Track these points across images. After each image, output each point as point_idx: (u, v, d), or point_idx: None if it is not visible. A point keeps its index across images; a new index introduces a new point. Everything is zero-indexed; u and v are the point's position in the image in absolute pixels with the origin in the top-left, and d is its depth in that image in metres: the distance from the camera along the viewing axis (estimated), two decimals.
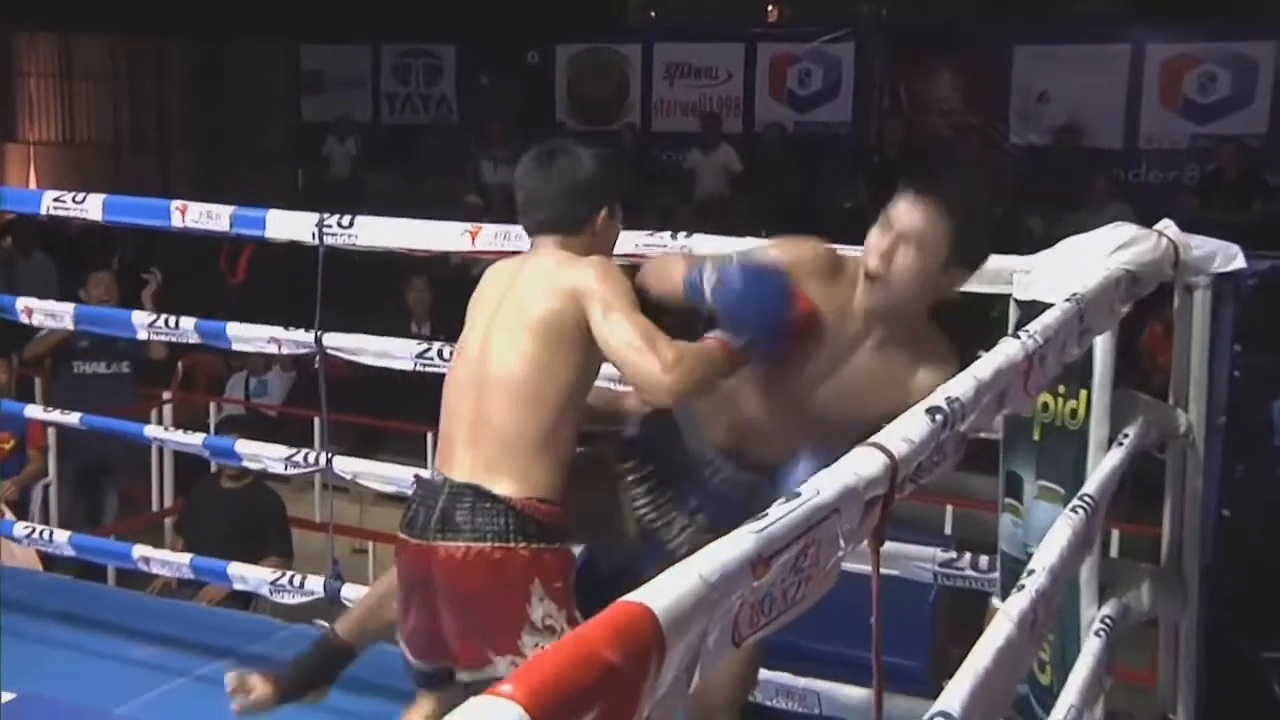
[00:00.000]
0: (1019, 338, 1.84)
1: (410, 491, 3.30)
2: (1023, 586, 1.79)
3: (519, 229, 2.93)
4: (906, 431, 1.41)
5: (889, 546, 2.92)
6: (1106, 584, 2.58)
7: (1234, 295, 2.80)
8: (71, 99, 13.22)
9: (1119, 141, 10.29)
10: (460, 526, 2.31)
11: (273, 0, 11.94)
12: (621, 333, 2.26)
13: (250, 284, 9.30)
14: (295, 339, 3.52)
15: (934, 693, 1.43)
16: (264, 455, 3.73)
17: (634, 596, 0.99)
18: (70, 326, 3.94)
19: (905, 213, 2.26)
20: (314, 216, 3.42)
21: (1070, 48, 10.40)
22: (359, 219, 3.42)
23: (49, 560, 4.83)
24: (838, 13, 11.52)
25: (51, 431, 5.99)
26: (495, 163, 10.99)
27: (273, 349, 3.61)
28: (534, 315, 2.34)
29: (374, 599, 2.84)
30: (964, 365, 1.75)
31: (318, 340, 3.47)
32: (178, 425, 5.94)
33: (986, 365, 1.70)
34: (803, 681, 3.11)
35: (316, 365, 3.62)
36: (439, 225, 3.35)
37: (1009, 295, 2.66)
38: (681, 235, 3.10)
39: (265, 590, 3.68)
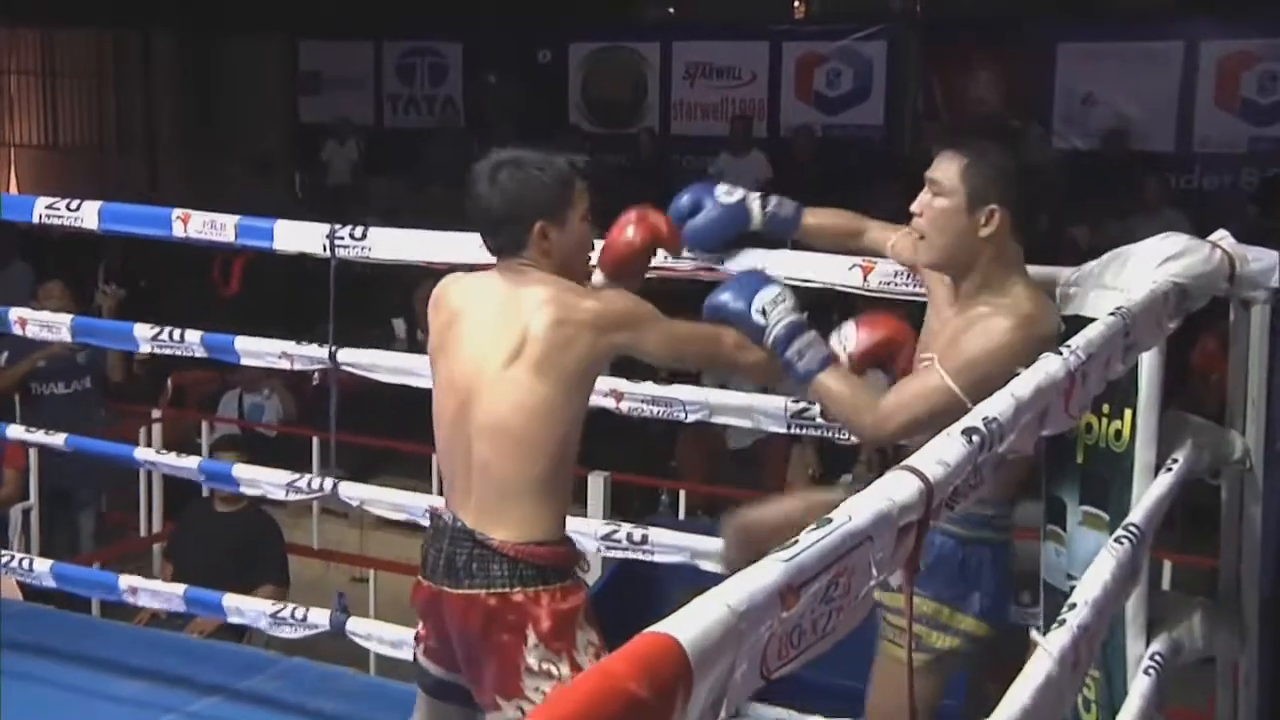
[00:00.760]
0: (1060, 354, 1.86)
1: (419, 519, 3.40)
2: (1064, 621, 1.80)
3: None
4: (942, 454, 1.42)
5: None
6: (1156, 619, 2.58)
7: None
8: (54, 98, 13.31)
9: (1171, 145, 10.27)
10: (461, 573, 2.47)
11: None
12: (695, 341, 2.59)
13: (245, 295, 9.34)
14: (308, 354, 3.54)
15: None
16: (264, 480, 3.72)
17: (660, 627, 1.00)
18: (68, 338, 3.95)
19: (930, 168, 2.55)
20: (324, 228, 3.44)
21: (1118, 45, 10.39)
22: (372, 230, 3.44)
23: (29, 588, 4.86)
24: (869, 9, 11.55)
25: (34, 453, 6.02)
26: None
27: (284, 364, 3.61)
28: (548, 361, 2.43)
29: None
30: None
31: (331, 356, 3.48)
32: (167, 446, 5.97)
33: (1026, 383, 1.71)
34: None
35: (315, 383, 3.64)
36: (455, 236, 3.35)
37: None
38: None
39: (264, 624, 3.67)
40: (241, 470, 3.79)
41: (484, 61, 12.37)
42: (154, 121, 13.51)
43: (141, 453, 4.35)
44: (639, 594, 4.11)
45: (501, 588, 2.44)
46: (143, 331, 3.75)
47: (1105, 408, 2.49)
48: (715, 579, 1.14)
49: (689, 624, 1.02)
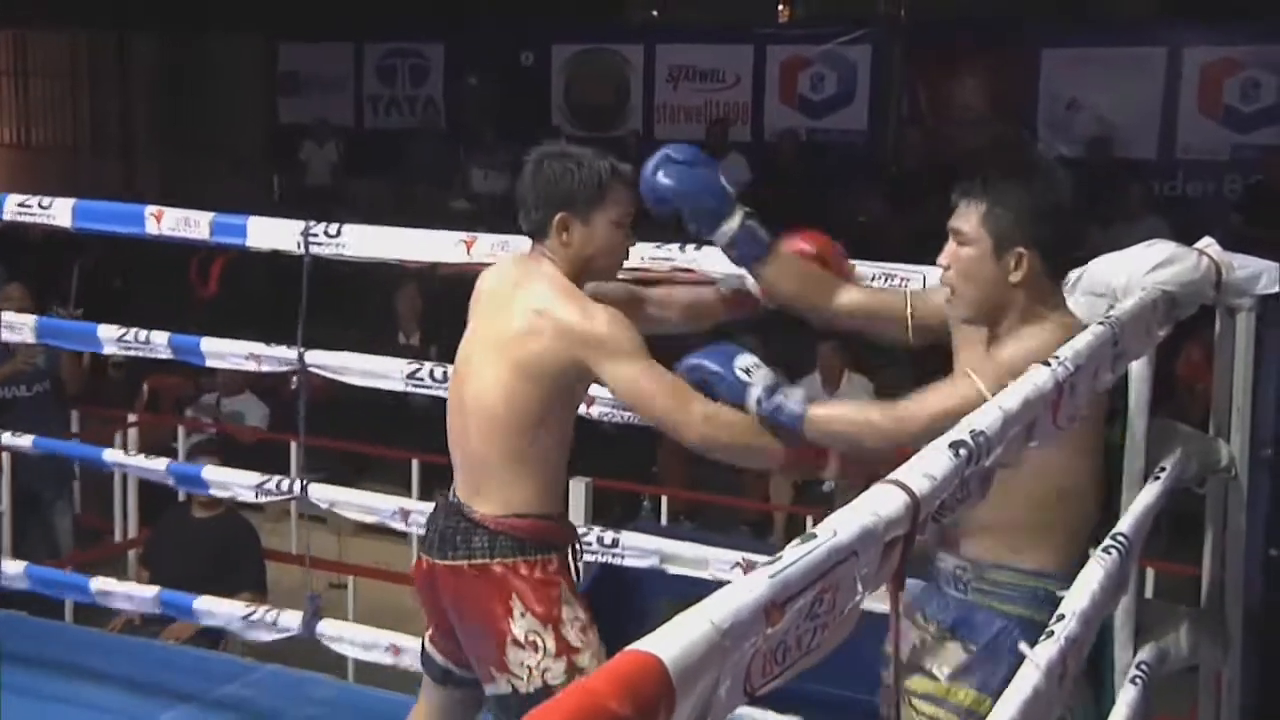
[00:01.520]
0: (1049, 365, 1.85)
1: (390, 522, 3.56)
2: (1052, 633, 1.79)
3: (517, 239, 3.02)
4: (928, 468, 1.41)
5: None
6: (1142, 627, 2.58)
7: None
8: (28, 98, 13.24)
9: (1154, 152, 10.32)
10: (448, 546, 2.60)
11: None
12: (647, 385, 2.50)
13: (224, 296, 9.29)
14: (277, 355, 3.54)
15: None
16: (234, 482, 3.74)
17: (643, 644, 1.00)
18: (31, 339, 3.95)
19: (952, 218, 2.42)
20: (299, 225, 3.45)
21: (1102, 50, 10.44)
22: (346, 227, 3.44)
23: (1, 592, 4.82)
24: (853, 12, 11.57)
25: (6, 457, 5.99)
26: (486, 171, 11.01)
27: (251, 366, 3.61)
28: (514, 345, 2.54)
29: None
30: None
31: (300, 357, 3.48)
32: (143, 451, 5.93)
33: (1014, 395, 1.71)
34: None
35: (294, 386, 3.63)
36: (432, 234, 3.37)
37: None
38: (690, 248, 3.11)
39: (237, 626, 3.68)
40: (212, 472, 3.79)
41: (466, 63, 12.35)
42: (130, 123, 13.45)
43: (111, 455, 4.34)
44: (621, 597, 4.10)
45: (482, 559, 2.56)
46: (108, 333, 3.75)
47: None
48: (703, 584, 1.13)
49: (672, 641, 1.01)
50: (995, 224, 2.35)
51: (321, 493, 3.63)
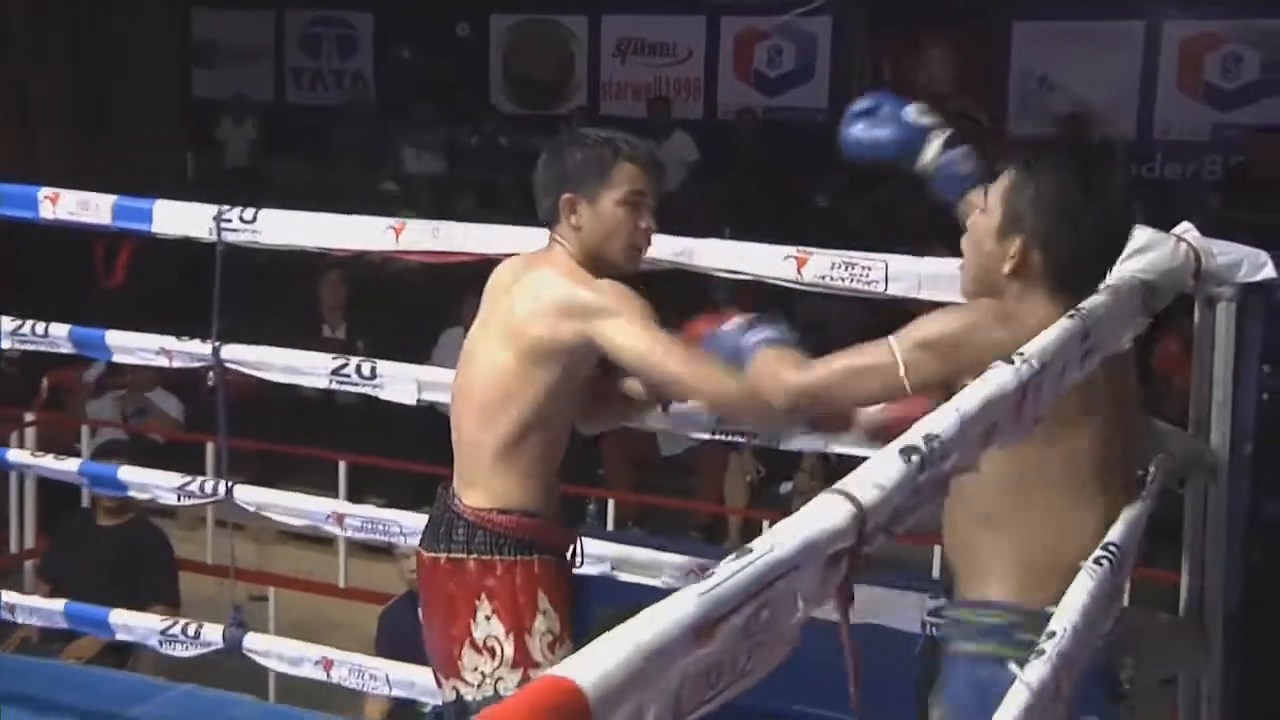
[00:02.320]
0: (1012, 362, 1.82)
1: (323, 526, 3.62)
2: (1042, 651, 1.79)
3: (449, 225, 3.06)
4: (876, 476, 1.39)
5: (870, 592, 2.93)
6: (1120, 635, 2.59)
7: (1262, 309, 2.82)
8: None
9: (1131, 132, 10.37)
10: (434, 537, 2.67)
11: None
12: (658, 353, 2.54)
13: (132, 287, 9.17)
14: (189, 350, 3.50)
15: None
16: (153, 484, 3.71)
17: (560, 670, 0.99)
18: None
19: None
20: (211, 209, 3.42)
21: (1076, 24, 10.50)
22: (263, 212, 3.42)
23: None
24: None
25: None
26: (418, 150, 10.95)
27: (162, 361, 3.57)
28: (518, 331, 2.60)
29: None
30: None
31: (215, 352, 3.44)
32: (43, 451, 5.86)
33: (972, 396, 1.68)
34: None
35: (211, 383, 3.59)
36: (357, 220, 3.34)
37: None
38: (683, 240, 3.13)
39: (154, 641, 3.65)
40: (129, 473, 3.74)
41: (397, 34, 12.27)
42: (29, 94, 13.22)
43: (15, 455, 4.28)
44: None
45: (459, 553, 2.61)
46: (2, 325, 3.68)
47: None
48: (647, 592, 1.11)
49: (592, 666, 1.00)
50: (1011, 202, 2.30)
51: (248, 495, 3.61)
